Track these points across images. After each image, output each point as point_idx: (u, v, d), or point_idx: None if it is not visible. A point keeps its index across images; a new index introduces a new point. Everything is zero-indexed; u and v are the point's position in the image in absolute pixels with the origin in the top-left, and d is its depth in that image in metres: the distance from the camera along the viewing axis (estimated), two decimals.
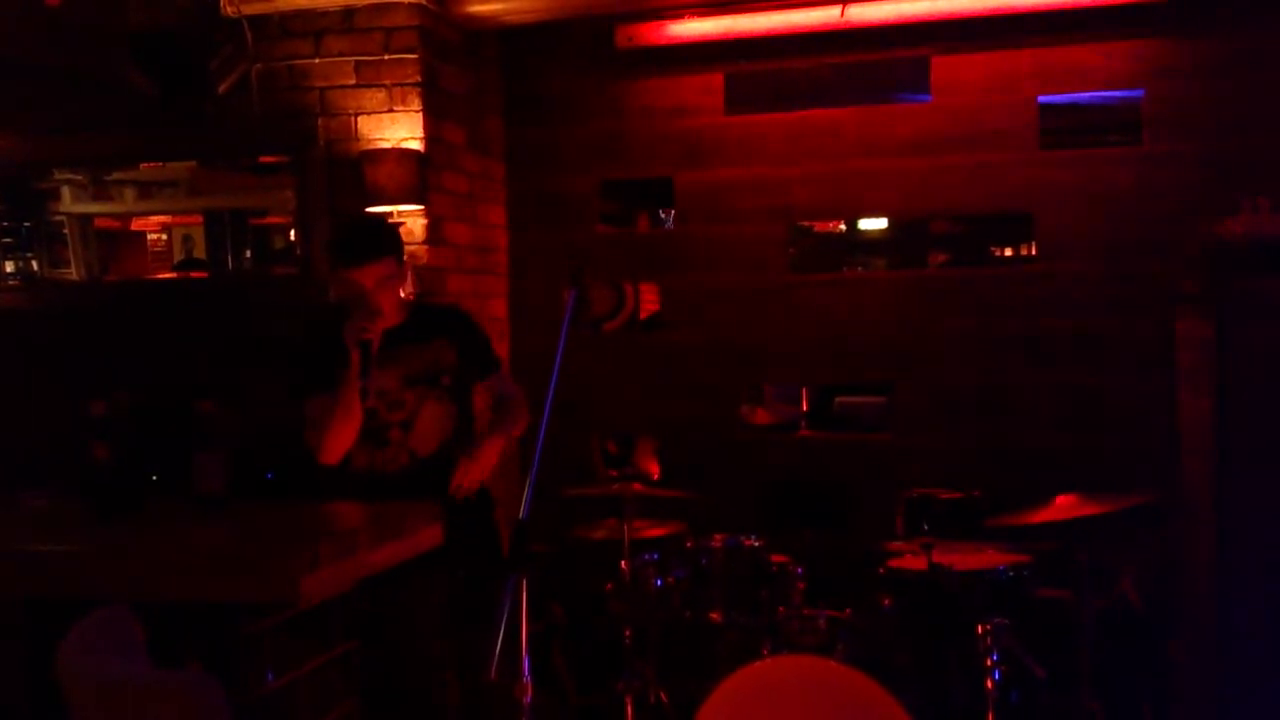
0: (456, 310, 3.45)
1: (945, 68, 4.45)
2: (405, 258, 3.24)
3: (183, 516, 2.90)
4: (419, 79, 4.22)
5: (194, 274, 6.48)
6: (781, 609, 3.64)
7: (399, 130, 4.23)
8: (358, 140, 4.26)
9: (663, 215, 5.95)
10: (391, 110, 4.24)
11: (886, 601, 3.64)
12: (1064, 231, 4.37)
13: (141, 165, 5.73)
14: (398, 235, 3.26)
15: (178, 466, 3.00)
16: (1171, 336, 3.99)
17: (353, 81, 4.28)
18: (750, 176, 4.68)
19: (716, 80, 4.70)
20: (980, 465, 4.34)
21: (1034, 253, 4.60)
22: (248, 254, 6.57)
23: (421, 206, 4.16)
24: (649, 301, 5.39)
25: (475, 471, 3.16)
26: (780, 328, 4.67)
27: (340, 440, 3.10)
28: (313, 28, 4.29)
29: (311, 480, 3.24)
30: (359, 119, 4.27)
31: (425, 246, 4.27)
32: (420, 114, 4.22)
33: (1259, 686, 3.70)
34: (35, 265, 5.87)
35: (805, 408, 5.85)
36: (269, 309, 4.36)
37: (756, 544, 3.78)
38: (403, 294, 3.24)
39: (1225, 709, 3.78)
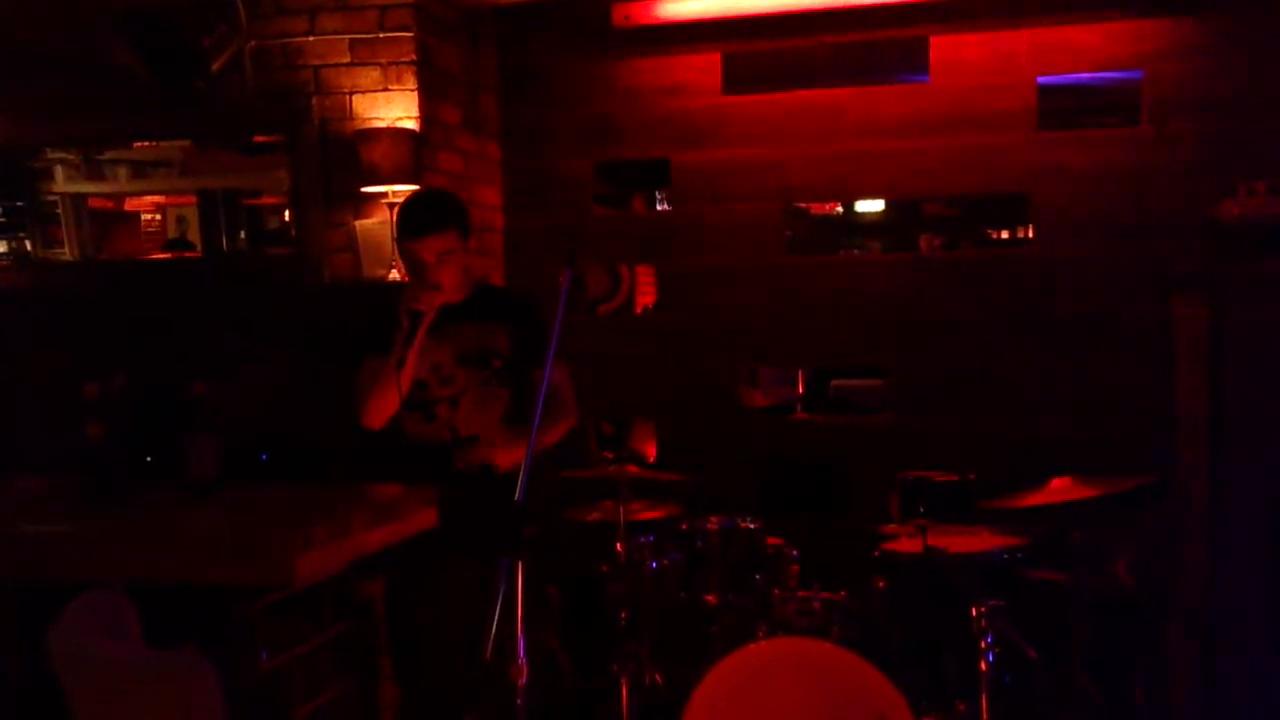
0: (524, 297, 3.40)
1: (944, 48, 4.42)
2: (471, 233, 3.22)
3: (176, 498, 2.90)
4: (414, 57, 4.19)
5: (186, 254, 6.46)
6: (777, 591, 3.64)
7: (394, 109, 4.20)
8: (352, 119, 4.23)
9: (658, 196, 5.93)
10: (386, 89, 4.21)
11: (881, 584, 3.64)
12: (1061, 213, 4.35)
13: (135, 145, 5.71)
14: (463, 210, 3.22)
15: (171, 448, 2.99)
16: (1168, 318, 3.98)
17: (347, 60, 4.24)
18: (747, 157, 4.66)
19: (714, 60, 4.67)
20: (975, 448, 4.33)
21: (1030, 235, 4.59)
22: (242, 234, 6.55)
23: (417, 186, 4.14)
24: (645, 284, 5.38)
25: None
26: (776, 310, 4.66)
27: (379, 406, 3.10)
28: (307, 5, 4.25)
29: (353, 446, 3.23)
30: (354, 98, 4.24)
31: None
32: (415, 93, 4.19)
33: (1252, 668, 3.71)
34: (29, 245, 5.85)
35: (801, 390, 5.85)
36: (263, 289, 4.34)
37: (752, 526, 3.77)
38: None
39: (1218, 690, 3.79)
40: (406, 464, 3.18)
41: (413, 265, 3.13)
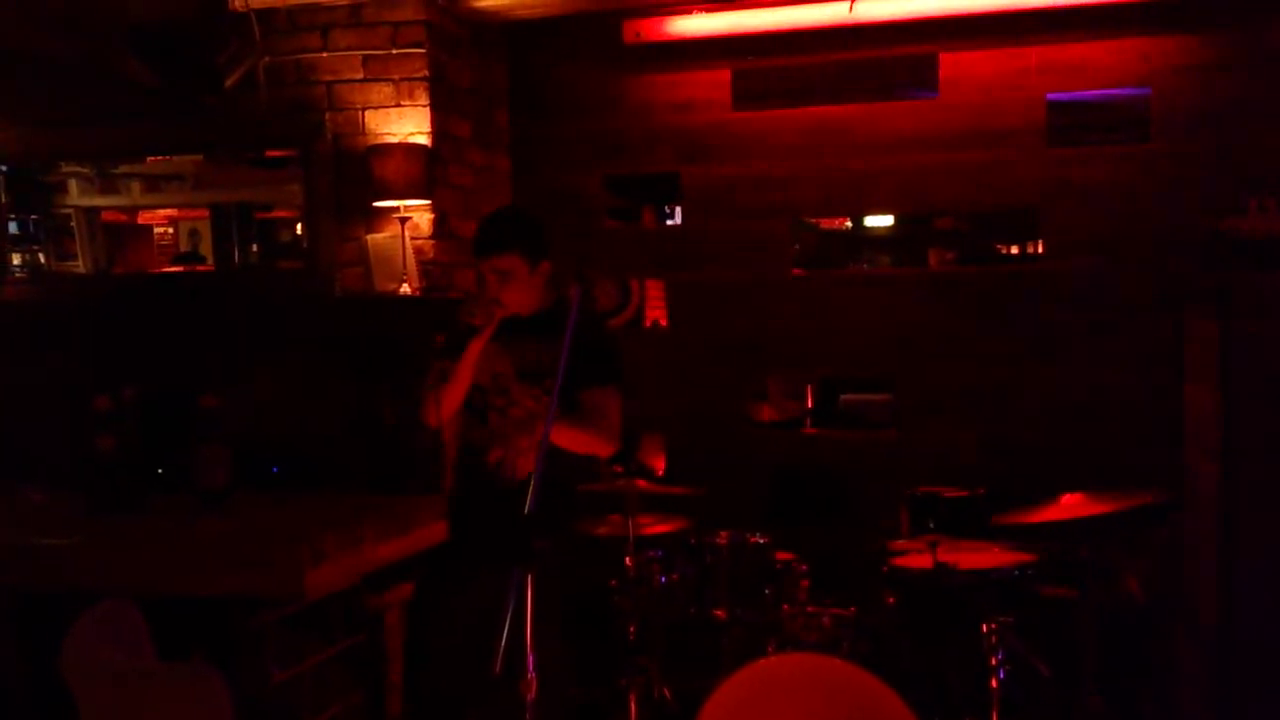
0: (592, 320, 3.35)
1: (953, 64, 4.43)
2: (544, 254, 3.21)
3: (187, 510, 2.91)
4: (426, 73, 4.22)
5: (198, 267, 6.49)
6: (786, 606, 3.63)
7: (406, 125, 4.23)
8: (365, 134, 4.26)
9: (668, 211, 5.94)
10: (399, 105, 4.24)
11: (891, 599, 3.64)
12: (1071, 228, 4.35)
13: (148, 159, 5.74)
14: (528, 232, 3.21)
15: (182, 460, 3.00)
16: (1178, 333, 3.97)
17: (360, 76, 4.27)
18: (757, 173, 4.67)
19: (724, 76, 4.69)
20: (986, 463, 4.33)
21: (1040, 250, 4.59)
22: (254, 247, 6.58)
23: (428, 201, 4.16)
24: (654, 298, 5.38)
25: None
26: (786, 324, 4.66)
27: (431, 405, 3.14)
28: (320, 22, 4.29)
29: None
30: (366, 113, 4.27)
31: (432, 241, 4.27)
32: (427, 108, 4.22)
33: (1264, 685, 3.68)
34: (42, 258, 5.89)
35: (810, 404, 5.83)
36: (275, 303, 4.35)
37: (761, 541, 3.77)
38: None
39: (1230, 707, 3.77)
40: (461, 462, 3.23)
41: (478, 280, 3.18)
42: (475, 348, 3.06)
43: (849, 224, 7.46)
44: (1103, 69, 4.30)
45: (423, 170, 4.08)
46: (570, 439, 3.08)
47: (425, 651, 3.22)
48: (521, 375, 3.19)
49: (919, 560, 3.61)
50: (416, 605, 3.26)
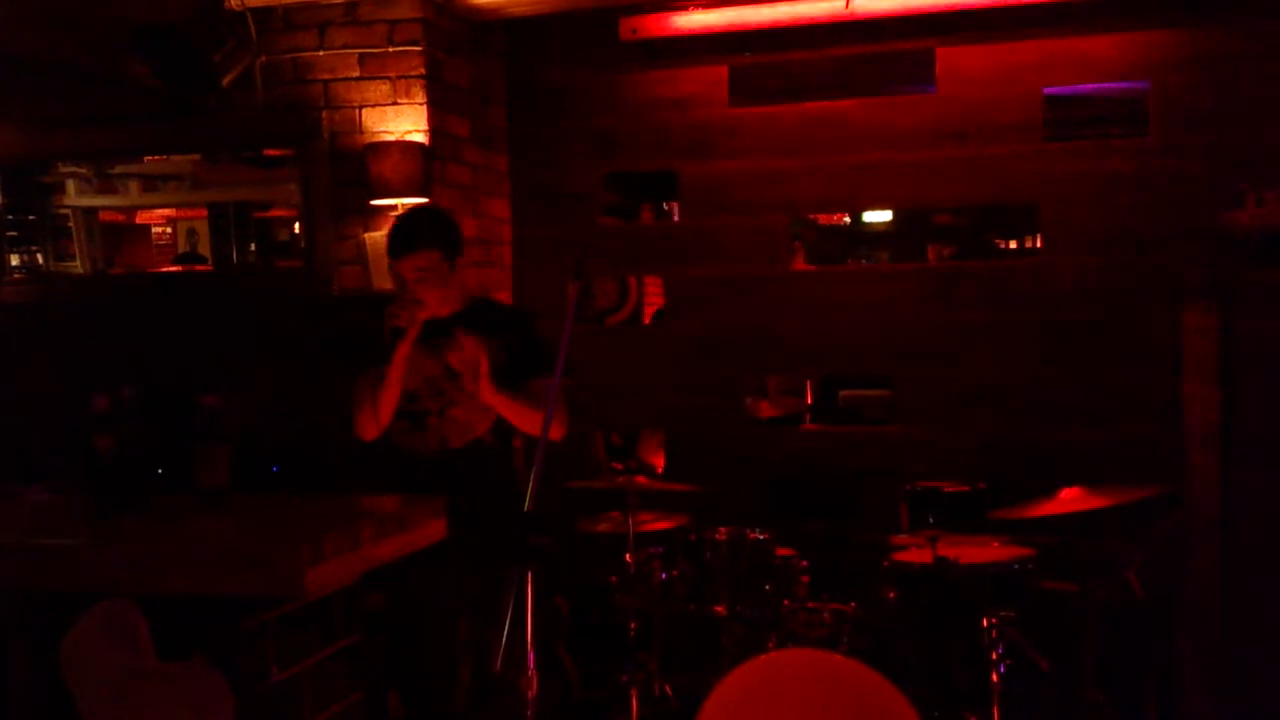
0: (517, 311, 3.41)
1: (950, 59, 4.43)
2: (459, 251, 3.23)
3: (186, 510, 2.90)
4: (423, 71, 4.21)
5: (196, 267, 6.50)
6: (786, 602, 3.64)
7: (403, 123, 4.23)
8: (362, 133, 4.26)
9: (666, 208, 5.95)
10: (396, 103, 4.24)
11: (891, 594, 3.64)
12: (1069, 223, 4.35)
13: (146, 158, 5.74)
14: (446, 229, 3.23)
15: (181, 460, 3.00)
16: (1177, 328, 3.97)
17: (357, 74, 4.27)
18: (755, 169, 4.67)
19: (721, 72, 4.69)
20: (985, 458, 4.33)
21: (1039, 245, 4.59)
22: (252, 247, 6.59)
23: (425, 199, 4.16)
24: (652, 295, 5.38)
25: (470, 348, 3.10)
26: (785, 320, 4.66)
27: (367, 418, 3.14)
28: (316, 20, 4.29)
29: (357, 456, 3.27)
30: (363, 111, 4.27)
31: None
32: (424, 106, 4.22)
33: (1264, 679, 3.69)
34: (40, 258, 5.89)
35: (809, 401, 5.84)
36: (273, 302, 4.36)
37: (761, 537, 3.77)
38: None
39: (1230, 701, 3.77)
40: (396, 473, 3.20)
41: (398, 282, 3.17)
42: (404, 349, 3.07)
43: (847, 220, 7.47)
44: (1101, 63, 4.30)
45: (420, 168, 4.08)
46: (521, 417, 3.14)
47: (410, 651, 3.22)
48: (451, 375, 3.19)
49: (919, 555, 3.62)
50: (396, 609, 3.25)
